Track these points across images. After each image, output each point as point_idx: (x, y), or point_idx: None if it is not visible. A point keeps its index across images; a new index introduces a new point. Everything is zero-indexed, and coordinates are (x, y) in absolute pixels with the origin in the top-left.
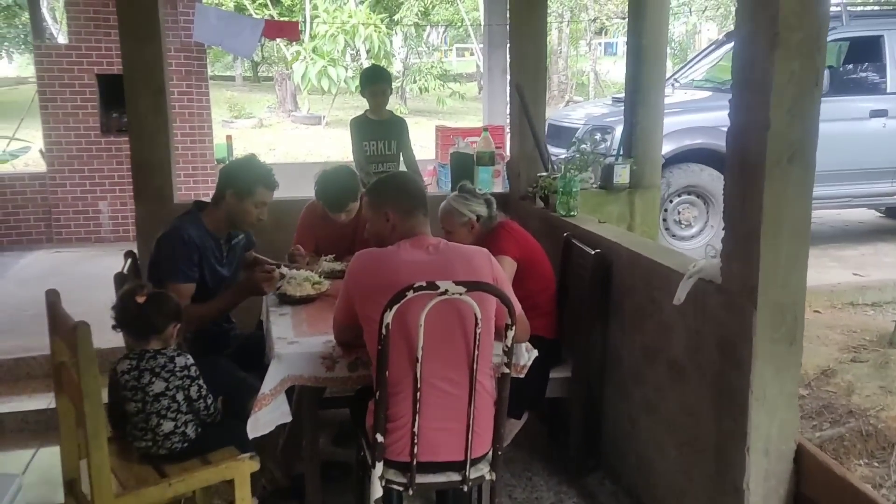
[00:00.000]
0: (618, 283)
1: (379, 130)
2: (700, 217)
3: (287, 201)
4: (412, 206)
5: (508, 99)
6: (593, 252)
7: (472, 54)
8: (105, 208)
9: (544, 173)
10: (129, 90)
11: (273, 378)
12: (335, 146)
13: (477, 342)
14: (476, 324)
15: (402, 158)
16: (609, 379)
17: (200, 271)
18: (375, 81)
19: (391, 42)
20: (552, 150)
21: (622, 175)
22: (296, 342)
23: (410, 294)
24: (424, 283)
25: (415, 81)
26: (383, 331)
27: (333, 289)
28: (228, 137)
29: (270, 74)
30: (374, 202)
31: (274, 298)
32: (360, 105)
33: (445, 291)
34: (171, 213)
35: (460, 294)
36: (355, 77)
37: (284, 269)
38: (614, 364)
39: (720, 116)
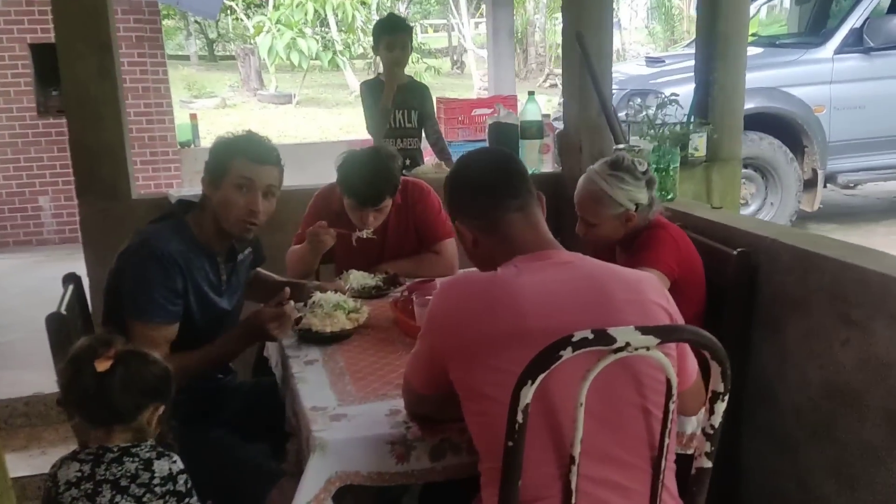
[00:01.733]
0: (771, 294)
1: (398, 98)
2: (758, 194)
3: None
4: (494, 205)
5: (566, 54)
6: (735, 252)
7: (435, 31)
8: (46, 204)
9: (620, 145)
10: (64, 48)
11: (314, 480)
12: (309, 126)
13: (669, 425)
14: (669, 394)
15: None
16: (754, 422)
17: (185, 303)
18: (393, 31)
19: (363, 14)
20: None
21: (698, 146)
22: (342, 415)
23: (567, 354)
24: (590, 334)
25: None
26: (518, 417)
27: (375, 317)
28: (193, 116)
29: (228, 53)
30: (447, 209)
31: (292, 334)
32: (336, 82)
33: (626, 346)
34: (128, 212)
35: (649, 348)
36: (328, 49)
37: (316, 294)
38: (763, 403)
39: (778, 75)
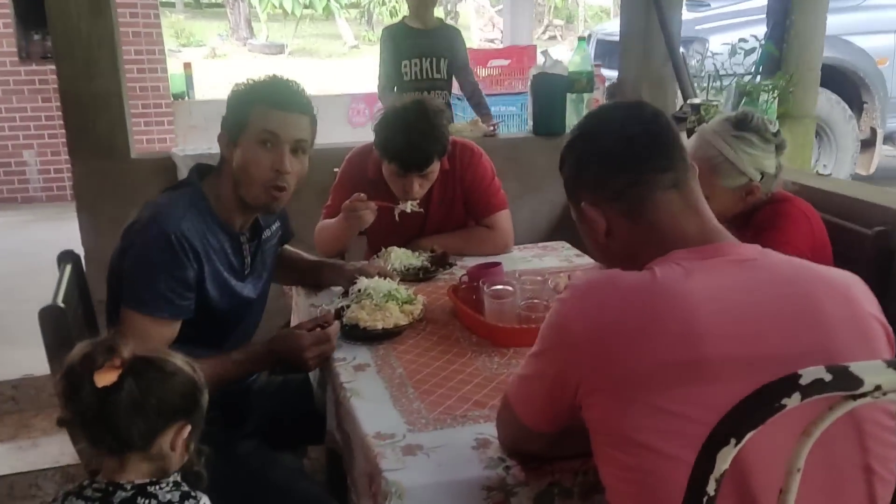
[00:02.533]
0: None
1: (424, 43)
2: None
3: None
4: (639, 181)
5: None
6: (872, 232)
7: None
8: (32, 159)
9: (696, 100)
10: None
11: None
12: (303, 79)
13: None
14: None
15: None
16: None
17: (202, 295)
18: None
19: None
20: (605, 72)
21: (769, 101)
22: (417, 446)
23: (793, 402)
24: (826, 373)
25: (383, 3)
26: (709, 488)
27: (428, 307)
28: (186, 66)
29: (216, 0)
30: (567, 186)
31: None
32: (328, 32)
33: (874, 390)
34: (128, 173)
35: None
36: None
37: (361, 280)
38: None
39: (838, 21)
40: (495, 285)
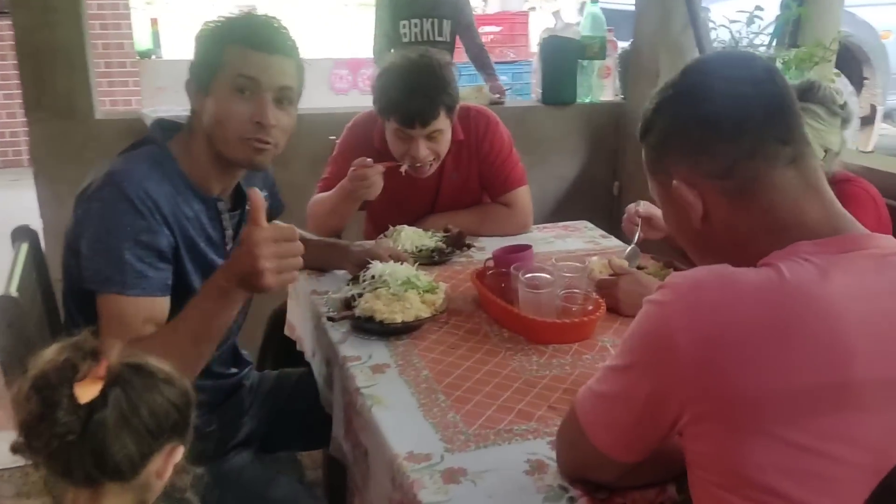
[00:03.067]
0: None
1: (426, 2)
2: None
3: None
4: (753, 153)
5: None
6: None
7: None
8: None
9: None
10: None
11: None
12: None
13: None
14: None
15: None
16: None
17: (179, 270)
18: None
19: None
20: None
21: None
22: (460, 470)
23: None
24: None
25: None
26: None
27: (452, 297)
28: (153, 22)
29: None
30: (650, 158)
31: (341, 324)
32: None
33: None
34: (91, 135)
35: None
36: None
37: (375, 265)
38: None
39: None
40: (530, 272)
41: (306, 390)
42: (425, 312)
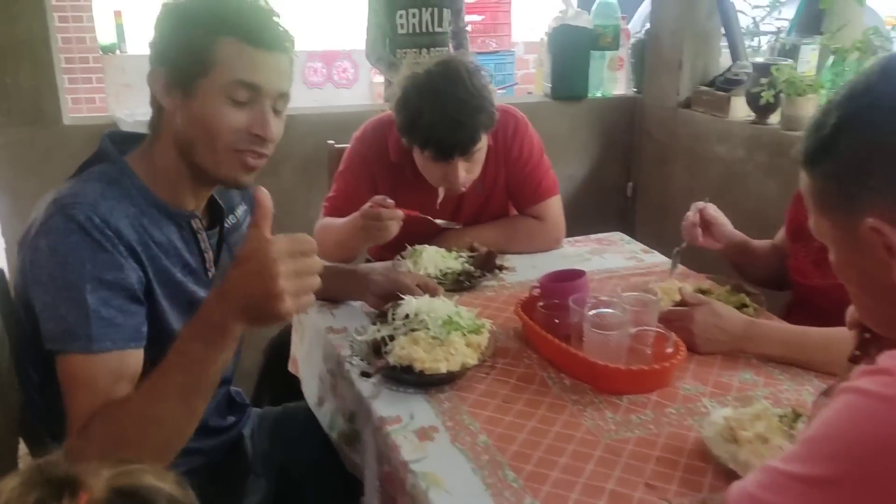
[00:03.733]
0: None
1: None
2: None
3: None
4: None
5: None
6: None
7: None
8: None
9: (758, 59)
10: None
11: None
12: None
13: None
14: None
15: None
16: None
17: (152, 308)
18: None
19: None
20: None
21: (809, 62)
22: None
23: None
24: None
25: None
26: None
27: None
28: (117, 14)
29: None
30: (833, 187)
31: (373, 379)
32: None
33: None
34: (60, 143)
35: None
36: None
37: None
38: None
39: None
40: (594, 306)
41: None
42: (472, 359)
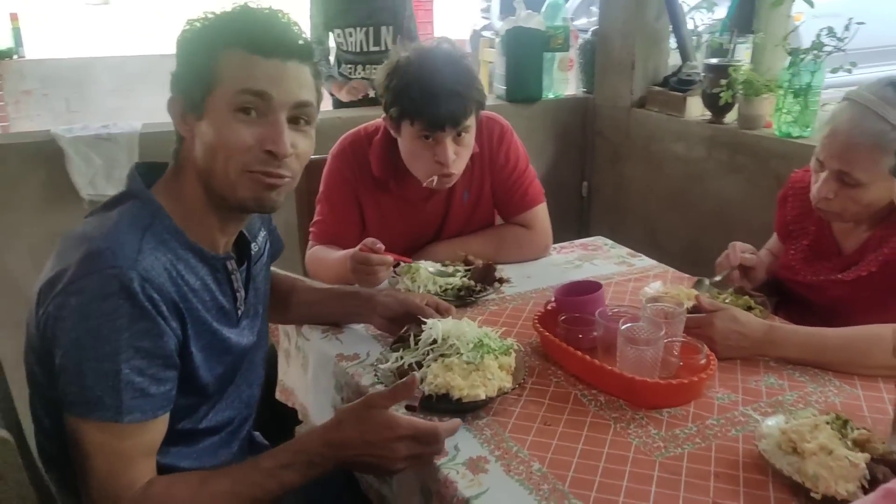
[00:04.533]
0: None
1: (359, 9)
2: None
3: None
4: None
5: None
6: None
7: None
8: None
9: (695, 64)
10: None
11: None
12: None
13: None
14: None
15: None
16: None
17: (186, 365)
18: None
19: None
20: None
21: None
22: None
23: None
24: None
25: None
26: None
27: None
28: (13, 17)
29: None
30: None
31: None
32: None
33: None
34: None
35: None
36: None
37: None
38: None
39: None
40: (626, 321)
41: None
42: (507, 382)
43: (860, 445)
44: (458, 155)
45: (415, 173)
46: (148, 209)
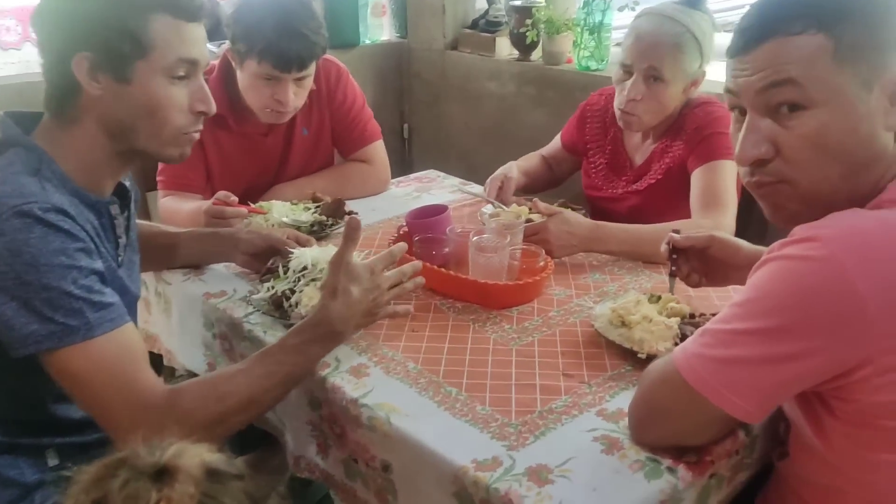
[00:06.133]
0: None
1: None
2: None
3: None
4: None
5: None
6: None
7: None
8: None
9: (517, 2)
10: None
11: None
12: None
13: None
14: None
15: None
16: None
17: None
18: None
19: None
20: None
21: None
22: (543, 469)
23: None
24: None
25: None
26: None
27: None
28: None
29: None
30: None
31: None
32: None
33: None
34: None
35: None
36: None
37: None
38: None
39: None
40: (476, 235)
41: None
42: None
43: (672, 313)
44: (297, 95)
45: (250, 105)
46: (34, 155)
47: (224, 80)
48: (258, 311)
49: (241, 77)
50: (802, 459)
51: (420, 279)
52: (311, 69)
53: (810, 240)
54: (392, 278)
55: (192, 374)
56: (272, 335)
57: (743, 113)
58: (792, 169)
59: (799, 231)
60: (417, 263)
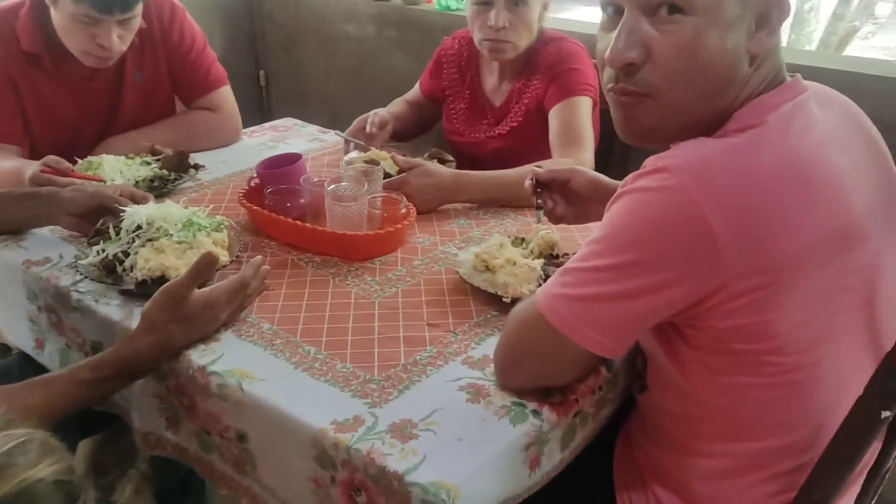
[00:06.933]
0: None
1: None
2: None
3: None
4: None
5: None
6: None
7: None
8: None
9: None
10: None
11: None
12: None
13: None
14: None
15: None
16: None
17: None
18: None
19: None
20: None
21: None
22: (407, 425)
23: None
24: None
25: None
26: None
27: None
28: None
29: None
30: None
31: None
32: None
33: None
34: None
35: None
36: None
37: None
38: None
39: None
40: (332, 184)
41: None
42: (224, 256)
43: (544, 244)
44: (122, 38)
45: (70, 48)
46: None
47: (36, 13)
48: (88, 277)
49: (56, 17)
50: (660, 390)
51: (266, 268)
52: (138, 9)
53: (660, 170)
54: (232, 305)
55: (25, 353)
56: (105, 304)
57: (618, 13)
58: (660, 78)
59: (649, 162)
60: (257, 259)
